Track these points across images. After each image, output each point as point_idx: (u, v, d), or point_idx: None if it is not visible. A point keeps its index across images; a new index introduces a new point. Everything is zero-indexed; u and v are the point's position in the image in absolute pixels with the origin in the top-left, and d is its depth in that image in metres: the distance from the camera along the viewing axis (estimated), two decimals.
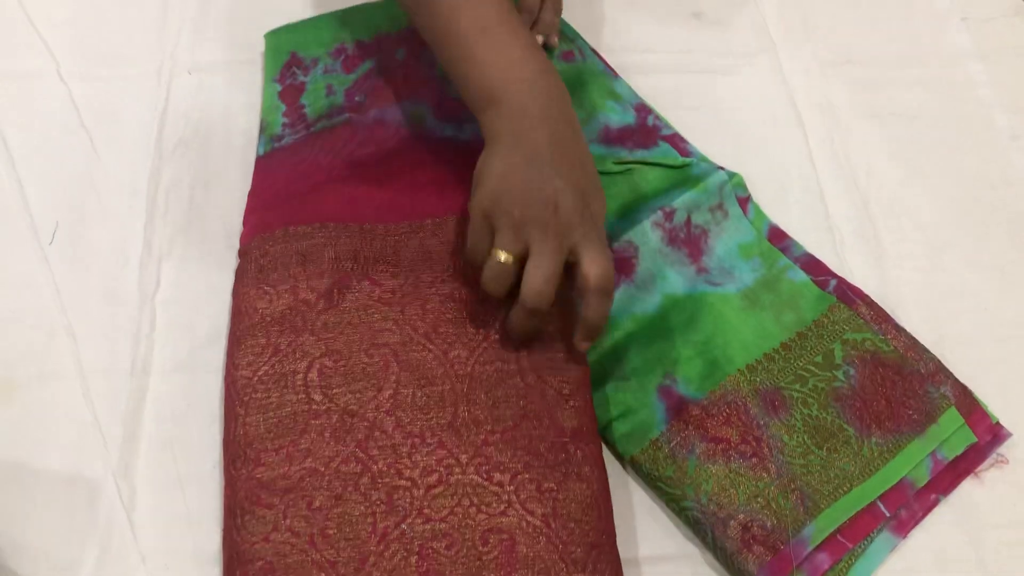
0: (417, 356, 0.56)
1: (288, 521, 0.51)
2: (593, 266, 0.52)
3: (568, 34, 0.75)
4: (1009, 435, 0.59)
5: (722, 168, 0.68)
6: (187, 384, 0.59)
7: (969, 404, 0.59)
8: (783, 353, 0.61)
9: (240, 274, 0.60)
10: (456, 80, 0.56)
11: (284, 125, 0.68)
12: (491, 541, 0.51)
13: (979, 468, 0.59)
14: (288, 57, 0.72)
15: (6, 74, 0.68)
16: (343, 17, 0.74)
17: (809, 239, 0.67)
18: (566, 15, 0.76)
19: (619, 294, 0.61)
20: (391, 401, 0.55)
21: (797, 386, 0.59)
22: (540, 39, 0.72)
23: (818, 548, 0.54)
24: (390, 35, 0.73)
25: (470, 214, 0.54)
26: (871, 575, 0.55)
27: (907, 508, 0.56)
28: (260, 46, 0.72)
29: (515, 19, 0.55)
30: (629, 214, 0.66)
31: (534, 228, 0.51)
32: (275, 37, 0.73)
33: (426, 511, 0.52)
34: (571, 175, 0.52)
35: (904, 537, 0.56)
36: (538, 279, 0.51)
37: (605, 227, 0.65)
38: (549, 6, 0.72)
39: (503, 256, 0.52)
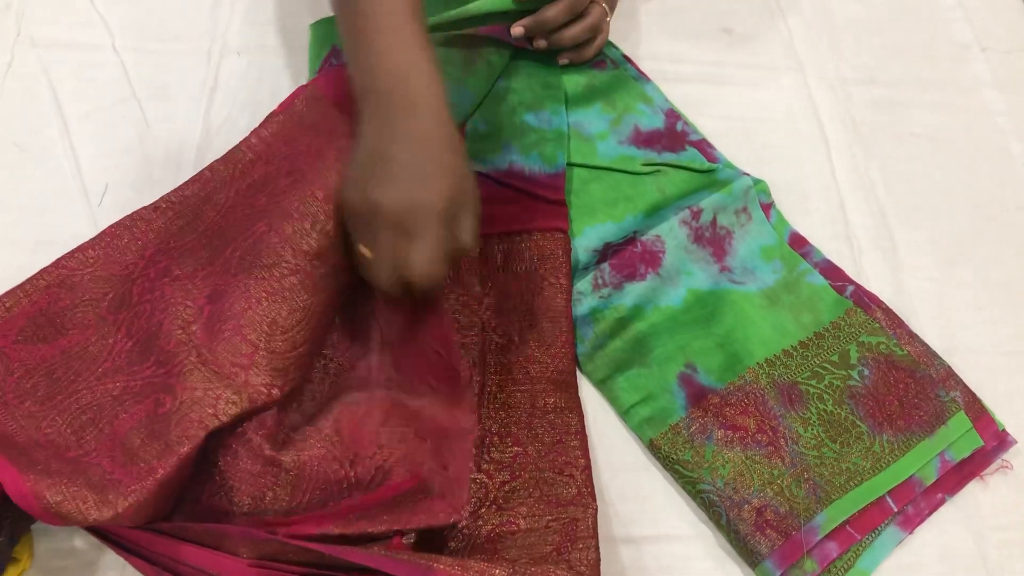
0: None
1: None
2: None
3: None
4: (1014, 442, 0.62)
5: (747, 174, 0.70)
6: None
7: (977, 410, 0.62)
8: (801, 350, 0.63)
9: None
10: (350, 68, 0.56)
11: None
12: None
13: (985, 471, 0.61)
14: (329, 49, 0.74)
15: (64, 44, 0.71)
16: None
17: (828, 246, 0.69)
18: None
19: (645, 285, 0.64)
20: None
21: (813, 382, 0.61)
22: (565, 61, 0.74)
23: (828, 537, 0.56)
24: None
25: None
26: (877, 566, 0.57)
27: (914, 505, 0.58)
28: (308, 34, 0.75)
29: (412, 26, 0.54)
30: (655, 213, 0.68)
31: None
32: (318, 28, 0.75)
33: None
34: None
35: (910, 532, 0.58)
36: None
37: (632, 223, 0.68)
38: (595, 46, 0.74)
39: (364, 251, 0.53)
